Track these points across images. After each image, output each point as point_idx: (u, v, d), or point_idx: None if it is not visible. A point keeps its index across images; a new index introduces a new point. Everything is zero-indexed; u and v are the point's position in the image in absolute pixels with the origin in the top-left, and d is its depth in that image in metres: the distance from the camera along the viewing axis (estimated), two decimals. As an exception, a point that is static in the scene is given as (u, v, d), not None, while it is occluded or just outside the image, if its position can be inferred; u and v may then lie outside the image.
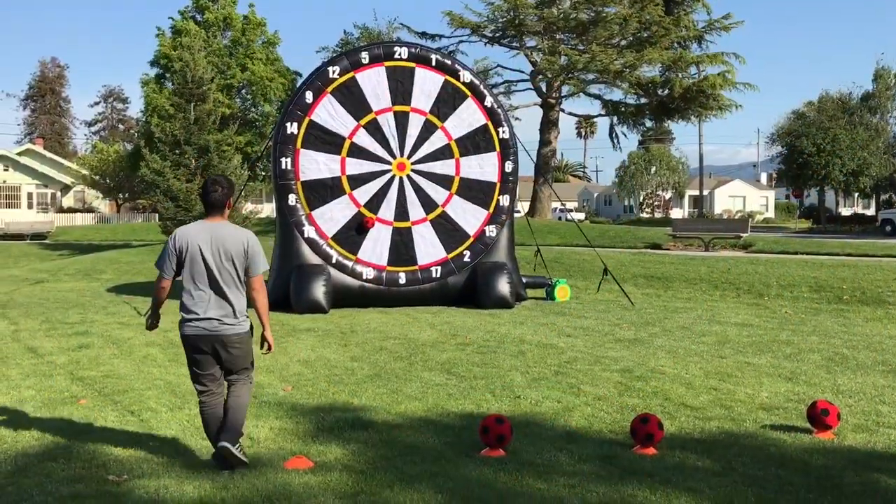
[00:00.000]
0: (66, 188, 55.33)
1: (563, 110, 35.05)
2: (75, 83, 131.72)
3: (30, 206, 52.58)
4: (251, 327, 5.16)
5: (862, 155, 41.45)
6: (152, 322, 5.33)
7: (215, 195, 5.04)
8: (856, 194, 51.69)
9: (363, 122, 13.34)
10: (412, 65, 13.50)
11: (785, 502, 4.55)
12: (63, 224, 47.49)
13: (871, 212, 52.82)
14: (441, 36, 34.16)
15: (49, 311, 12.69)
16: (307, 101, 13.15)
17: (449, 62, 13.90)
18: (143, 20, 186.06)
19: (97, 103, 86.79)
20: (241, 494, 4.57)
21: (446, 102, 13.69)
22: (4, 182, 52.39)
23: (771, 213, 67.98)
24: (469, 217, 13.82)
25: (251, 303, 5.07)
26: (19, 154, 55.41)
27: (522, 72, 34.87)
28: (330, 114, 13.21)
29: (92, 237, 39.10)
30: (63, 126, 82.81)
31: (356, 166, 13.37)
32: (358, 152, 13.36)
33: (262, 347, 5.14)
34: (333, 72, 13.22)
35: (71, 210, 54.39)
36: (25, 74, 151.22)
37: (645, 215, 65.07)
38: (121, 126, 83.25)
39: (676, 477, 4.91)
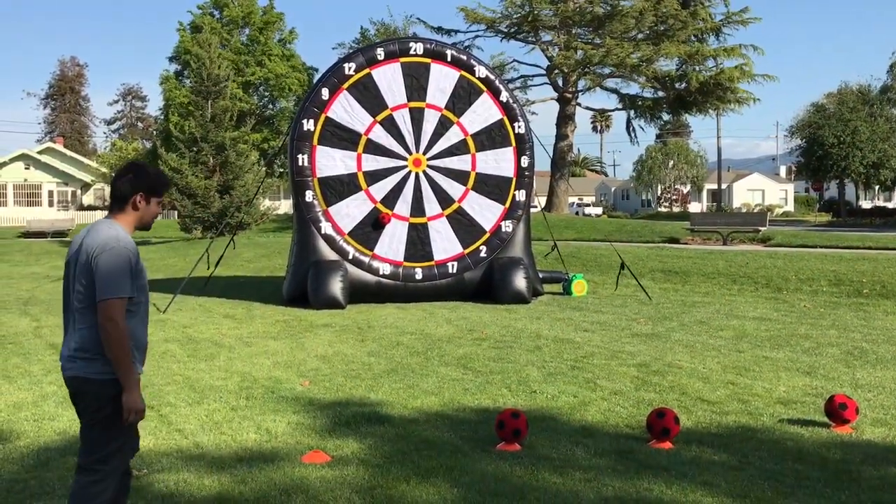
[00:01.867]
0: (86, 186, 55.82)
1: (579, 104, 34.98)
2: (94, 82, 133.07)
3: (51, 204, 53.12)
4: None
5: (882, 147, 41.04)
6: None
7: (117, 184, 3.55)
8: (876, 187, 51.16)
9: (379, 118, 13.36)
10: (427, 60, 13.51)
11: (802, 497, 4.53)
12: (83, 221, 47.85)
13: (892, 204, 52.30)
14: (456, 31, 34.19)
15: (70, 308, 12.82)
16: (323, 97, 13.19)
17: (464, 57, 13.89)
18: (161, 18, 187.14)
19: (116, 101, 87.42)
20: (259, 488, 4.62)
21: (462, 98, 13.69)
22: (26, 180, 52.94)
23: (790, 207, 67.39)
24: (485, 212, 13.82)
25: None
26: (40, 152, 55.95)
27: (538, 66, 34.84)
28: (346, 110, 13.25)
29: (112, 234, 39.32)
30: (83, 124, 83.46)
31: (372, 162, 13.40)
32: (374, 148, 13.39)
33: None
34: (349, 68, 13.25)
35: (91, 208, 54.83)
36: (45, 73, 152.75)
37: (663, 209, 64.71)
38: (139, 124, 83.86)
39: (692, 471, 4.90)
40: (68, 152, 59.10)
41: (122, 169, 3.57)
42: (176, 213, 30.82)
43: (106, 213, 3.66)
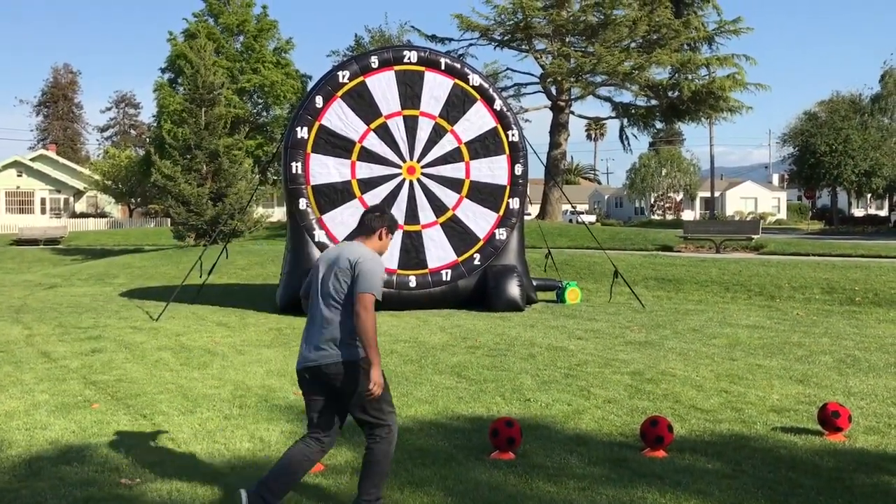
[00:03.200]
0: (78, 193, 55.71)
1: (572, 113, 35.05)
2: (87, 89, 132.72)
3: (43, 212, 53.01)
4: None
5: (874, 155, 41.26)
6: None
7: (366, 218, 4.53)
8: (868, 195, 51.39)
9: (373, 126, 13.38)
10: (421, 69, 13.54)
11: (795, 505, 4.54)
12: (76, 229, 47.80)
13: (884, 212, 52.52)
14: (450, 39, 34.30)
15: (62, 316, 12.79)
16: (317, 105, 13.20)
17: (458, 66, 13.92)
18: (155, 26, 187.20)
19: (109, 109, 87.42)
20: (253, 497, 4.59)
21: (456, 106, 13.72)
22: (18, 188, 52.83)
23: (783, 215, 67.67)
24: (479, 220, 13.84)
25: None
26: (32, 160, 55.87)
27: (532, 74, 34.93)
28: (340, 118, 13.26)
29: (104, 242, 39.33)
30: (75, 132, 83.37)
31: (366, 170, 13.41)
32: (368, 156, 13.40)
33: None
34: (343, 76, 13.27)
35: (84, 215, 54.76)
36: (38, 81, 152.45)
37: (656, 217, 64.91)
38: (132, 131, 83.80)
39: (686, 479, 4.91)
40: (61, 160, 59.02)
41: (373, 207, 4.62)
42: (169, 220, 30.76)
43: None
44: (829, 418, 5.80)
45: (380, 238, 4.48)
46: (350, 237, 4.81)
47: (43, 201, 53.39)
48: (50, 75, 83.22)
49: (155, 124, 42.67)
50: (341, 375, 4.22)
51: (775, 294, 14.70)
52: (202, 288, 15.54)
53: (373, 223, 4.48)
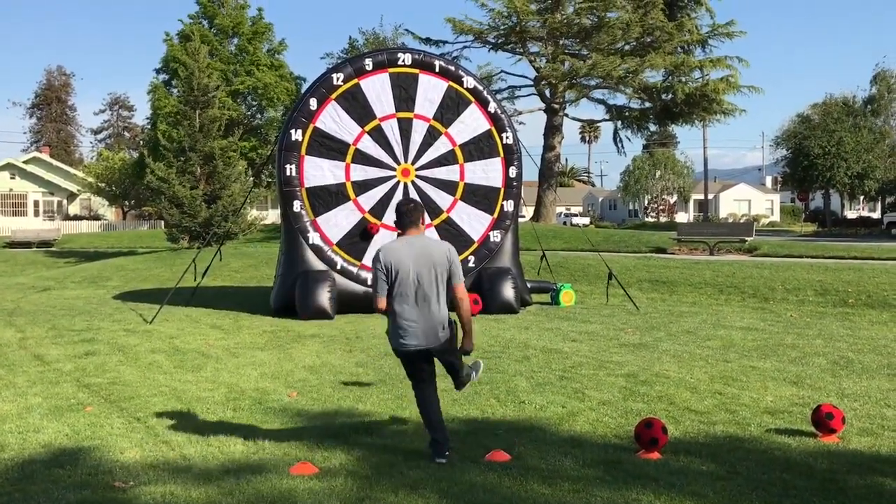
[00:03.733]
0: (72, 196, 55.53)
1: (566, 115, 35.10)
2: (81, 91, 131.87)
3: (36, 214, 52.80)
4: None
5: (867, 158, 41.40)
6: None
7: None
8: (861, 197, 51.59)
9: (367, 128, 13.37)
10: (416, 71, 13.54)
11: (789, 506, 4.54)
12: (69, 231, 47.61)
13: (876, 215, 52.71)
14: (445, 42, 34.30)
15: (55, 319, 12.74)
16: (311, 108, 13.19)
17: (452, 68, 13.93)
18: (149, 28, 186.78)
19: (103, 111, 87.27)
20: (247, 500, 4.59)
21: (450, 108, 13.72)
22: (11, 190, 52.61)
23: (776, 217, 67.83)
24: (473, 222, 13.84)
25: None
26: (26, 162, 55.65)
27: (526, 77, 34.95)
28: (334, 120, 13.25)
29: (98, 244, 39.19)
30: (69, 134, 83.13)
31: (361, 172, 13.40)
32: (362, 158, 13.39)
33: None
34: (337, 79, 13.26)
35: (77, 217, 54.55)
36: (31, 83, 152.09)
37: (650, 219, 65.00)
38: (126, 134, 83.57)
39: (681, 481, 4.91)
40: (54, 162, 58.81)
41: (405, 203, 5.46)
42: (163, 222, 30.67)
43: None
44: (823, 420, 5.82)
45: (423, 224, 5.47)
46: (405, 231, 5.39)
47: (36, 204, 53.18)
48: (43, 77, 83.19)
49: (149, 126, 42.59)
50: (446, 344, 5.39)
51: (769, 296, 14.74)
52: (196, 290, 15.51)
53: (413, 216, 5.38)
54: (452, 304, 5.34)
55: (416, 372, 5.46)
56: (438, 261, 5.24)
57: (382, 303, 5.27)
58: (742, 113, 33.21)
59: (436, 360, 5.49)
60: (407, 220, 5.37)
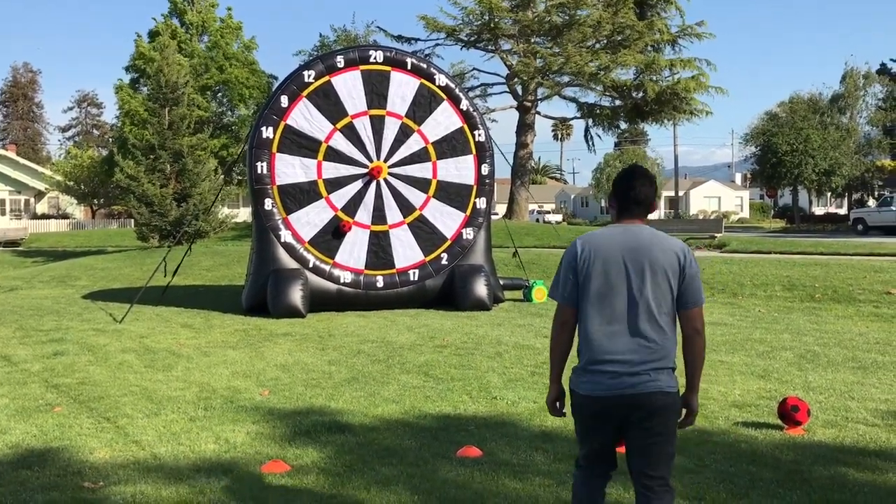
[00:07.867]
0: (39, 194, 54.70)
1: (538, 113, 35.23)
2: (48, 88, 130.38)
3: (3, 213, 51.94)
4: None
5: (834, 155, 42.00)
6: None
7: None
8: (828, 194, 52.34)
9: (339, 125, 13.33)
10: (388, 69, 13.52)
11: (756, 497, 4.63)
12: (37, 231, 46.91)
13: (843, 211, 53.50)
14: (417, 39, 34.28)
15: (23, 319, 12.57)
16: (283, 105, 13.13)
17: (424, 66, 13.93)
18: (116, 25, 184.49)
19: (71, 108, 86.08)
20: (218, 499, 4.58)
21: (422, 106, 13.73)
22: (-24, 189, 51.73)
23: (746, 213, 68.66)
24: (446, 220, 13.86)
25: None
26: (-8, 160, 54.73)
27: (498, 75, 35.02)
28: (306, 118, 13.20)
29: (66, 243, 38.67)
30: (36, 132, 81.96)
31: (333, 170, 13.36)
32: (334, 156, 13.35)
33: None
34: (309, 76, 13.21)
35: (45, 216, 53.73)
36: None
37: (622, 216, 65.28)
38: (95, 131, 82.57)
39: (650, 474, 4.97)
40: (21, 160, 57.82)
41: (635, 173, 3.44)
42: (132, 221, 30.35)
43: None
44: (789, 413, 5.92)
45: (652, 211, 3.52)
46: (624, 217, 3.47)
47: (2, 202, 52.32)
48: (9, 74, 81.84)
49: (118, 124, 42.10)
50: (668, 409, 3.31)
51: (738, 291, 14.92)
52: (166, 289, 15.38)
53: (651, 195, 3.46)
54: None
55: (592, 438, 3.63)
56: (666, 263, 3.38)
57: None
58: (709, 115, 33.63)
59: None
60: (637, 203, 3.50)
